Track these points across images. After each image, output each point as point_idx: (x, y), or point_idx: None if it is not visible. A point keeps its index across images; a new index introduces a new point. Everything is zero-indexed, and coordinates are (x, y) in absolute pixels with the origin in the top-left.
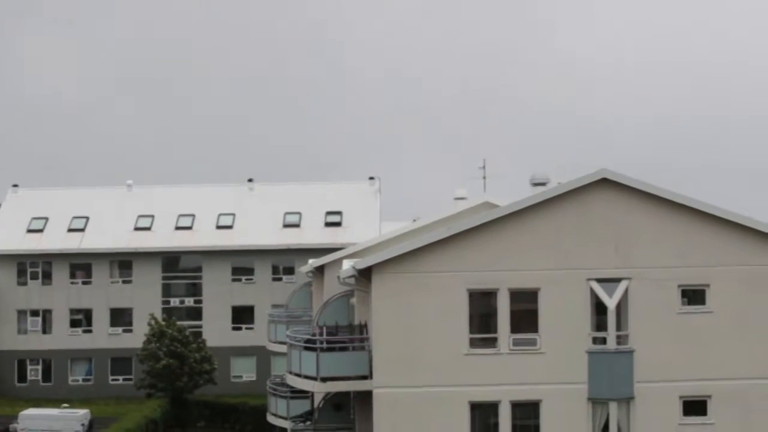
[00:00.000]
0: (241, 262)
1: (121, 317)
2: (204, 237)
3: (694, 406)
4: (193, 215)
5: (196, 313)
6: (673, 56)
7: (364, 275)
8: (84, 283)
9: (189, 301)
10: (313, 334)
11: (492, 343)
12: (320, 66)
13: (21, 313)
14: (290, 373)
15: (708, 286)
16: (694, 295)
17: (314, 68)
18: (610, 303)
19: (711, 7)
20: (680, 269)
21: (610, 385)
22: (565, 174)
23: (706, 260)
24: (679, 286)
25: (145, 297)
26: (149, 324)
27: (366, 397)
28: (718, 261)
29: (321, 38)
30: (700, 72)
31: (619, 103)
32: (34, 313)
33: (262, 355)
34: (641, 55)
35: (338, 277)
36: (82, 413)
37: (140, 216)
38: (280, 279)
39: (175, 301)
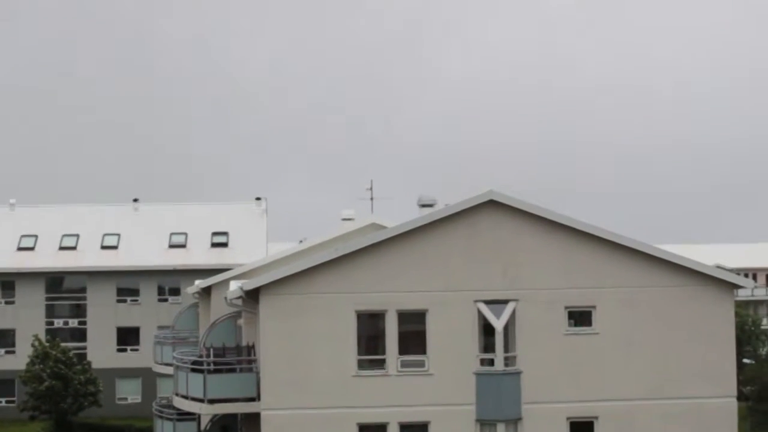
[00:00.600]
0: (127, 283)
1: (3, 338)
2: (88, 257)
3: (581, 428)
4: (77, 235)
5: (80, 335)
6: (556, 79)
7: (252, 296)
8: None
9: (73, 322)
10: (200, 356)
11: (380, 364)
12: (207, 86)
13: None
14: (177, 395)
15: (594, 307)
16: (580, 317)
17: (200, 89)
18: (498, 324)
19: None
20: (567, 291)
21: (498, 406)
22: (454, 195)
23: (592, 282)
24: (566, 307)
25: (28, 318)
26: (33, 345)
27: (254, 419)
28: (603, 283)
29: (207, 58)
30: (571, 96)
31: (505, 126)
32: None
33: (147, 377)
34: (525, 78)
35: (225, 298)
36: None
37: (23, 236)
38: (166, 300)
39: (59, 322)
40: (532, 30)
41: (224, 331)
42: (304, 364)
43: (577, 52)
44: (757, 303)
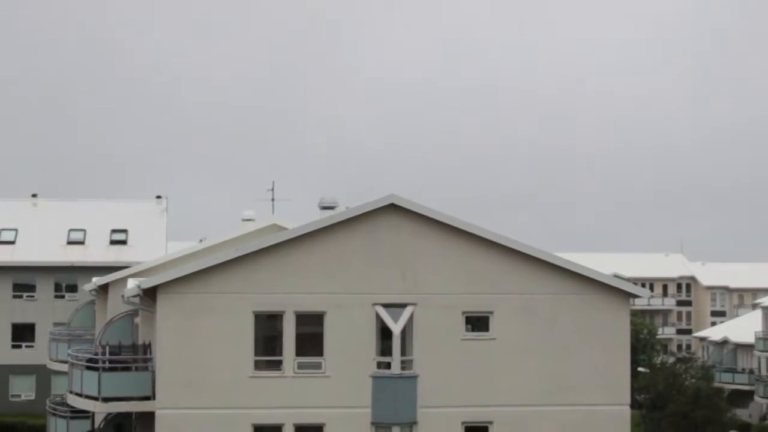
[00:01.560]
0: (23, 279)
1: None
2: None
3: None
4: None
5: None
6: (467, 81)
7: (149, 295)
8: None
9: None
10: (96, 354)
11: (277, 365)
12: (109, 83)
13: None
14: (71, 392)
15: (491, 313)
16: (478, 322)
17: (101, 87)
18: (395, 328)
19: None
20: (465, 296)
21: (394, 409)
22: (356, 198)
23: (490, 288)
24: (464, 312)
25: None
26: None
27: (148, 418)
28: (501, 288)
29: (109, 55)
30: (475, 100)
31: (411, 128)
32: None
33: (42, 374)
34: (439, 79)
35: (122, 296)
36: None
37: None
38: (62, 297)
39: None
40: (444, 30)
41: (121, 330)
42: (200, 364)
43: (491, 53)
44: (653, 312)
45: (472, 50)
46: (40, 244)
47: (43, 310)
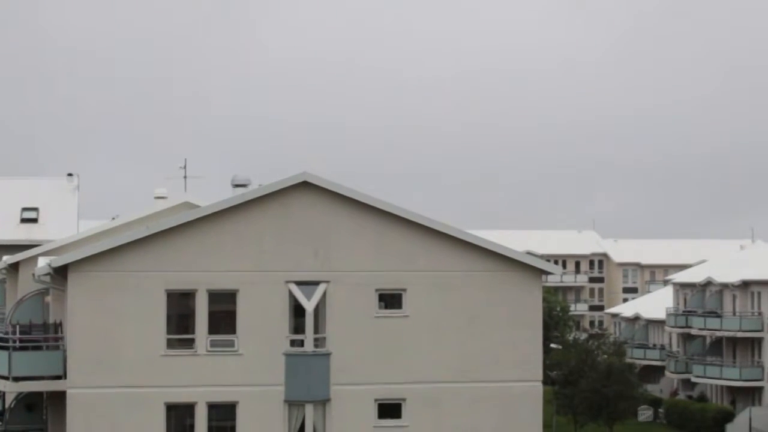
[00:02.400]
0: None
1: None
2: None
3: (389, 409)
4: None
5: None
6: (358, 60)
7: (60, 273)
8: None
9: None
10: (6, 333)
11: (189, 344)
12: (19, 58)
13: None
14: None
15: (405, 290)
16: (391, 299)
17: (13, 61)
18: (308, 306)
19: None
20: (378, 273)
21: (307, 387)
22: (270, 175)
23: (403, 265)
24: (377, 290)
25: None
26: None
27: (60, 397)
28: (415, 266)
29: (24, 34)
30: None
31: (321, 105)
32: None
33: None
34: (333, 56)
35: (33, 274)
36: None
37: None
38: None
39: None
40: (354, 10)
41: (31, 308)
42: (112, 343)
43: (398, 33)
44: (566, 289)
45: (380, 30)
46: None
47: None
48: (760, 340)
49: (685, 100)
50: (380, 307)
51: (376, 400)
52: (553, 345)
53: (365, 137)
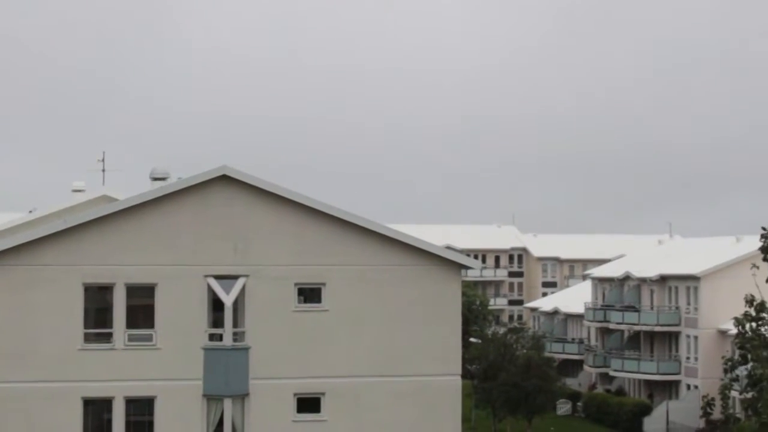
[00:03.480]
0: None
1: None
2: None
3: (308, 403)
4: None
5: None
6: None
7: None
8: None
9: None
10: None
11: (107, 338)
12: None
13: None
14: None
15: (324, 284)
16: (310, 293)
17: None
18: (227, 300)
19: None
20: (297, 267)
21: (226, 381)
22: (190, 169)
23: (322, 259)
24: (296, 284)
25: None
26: None
27: None
28: (334, 260)
29: None
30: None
31: (245, 99)
32: None
33: None
34: (275, 52)
35: None
36: None
37: None
38: None
39: None
40: (274, 5)
41: None
42: (28, 337)
43: (319, 26)
44: (485, 283)
45: (302, 23)
46: None
47: None
48: (677, 334)
49: (605, 96)
50: (299, 301)
51: (295, 394)
52: (472, 339)
53: (285, 131)
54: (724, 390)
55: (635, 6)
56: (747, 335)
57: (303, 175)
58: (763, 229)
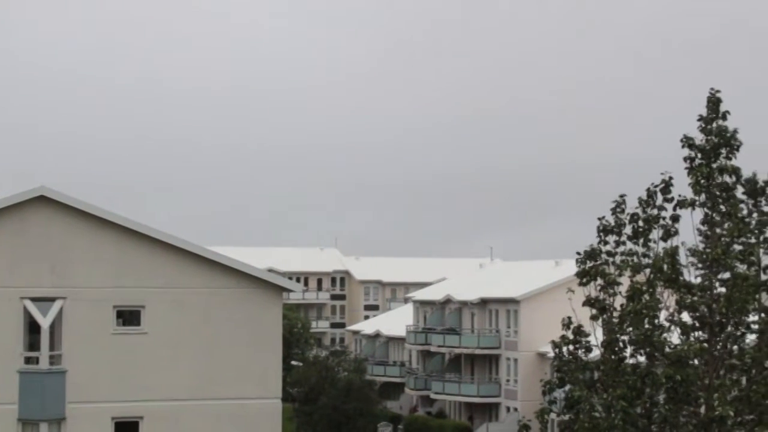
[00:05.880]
0: None
1: None
2: None
3: (127, 427)
4: None
5: None
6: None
7: None
8: None
9: None
10: None
11: None
12: None
13: None
14: None
15: (143, 307)
16: (130, 316)
17: None
18: (44, 322)
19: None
20: (116, 290)
21: (42, 405)
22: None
23: (141, 281)
24: (115, 306)
25: None
26: None
27: None
28: (154, 283)
29: None
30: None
31: (66, 117)
32: None
33: None
34: (83, 71)
35: None
36: None
37: None
38: None
39: None
40: (100, 22)
41: None
42: None
43: (146, 43)
44: (307, 306)
45: (125, 40)
46: None
47: None
48: (497, 357)
49: (428, 123)
50: (118, 324)
51: (113, 418)
52: (294, 362)
53: (106, 149)
54: (542, 413)
55: (459, 39)
56: (564, 358)
57: (122, 196)
58: (578, 253)
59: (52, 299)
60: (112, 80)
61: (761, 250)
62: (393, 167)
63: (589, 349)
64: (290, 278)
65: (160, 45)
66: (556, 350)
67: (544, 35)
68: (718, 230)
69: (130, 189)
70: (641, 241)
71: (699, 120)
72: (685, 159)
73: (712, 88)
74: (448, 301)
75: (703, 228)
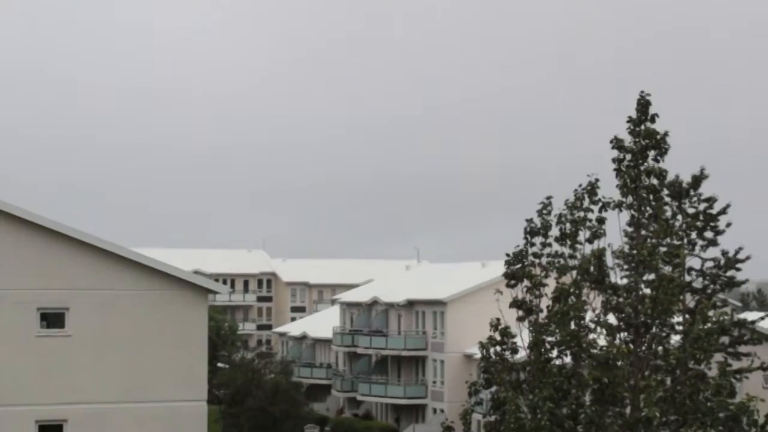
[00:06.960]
0: None
1: None
2: None
3: (51, 431)
4: None
5: None
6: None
7: None
8: None
9: None
10: None
11: None
12: None
13: None
14: None
15: (67, 309)
16: (54, 318)
17: None
18: None
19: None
20: (40, 291)
21: None
22: None
23: (66, 283)
24: (39, 308)
25: None
26: None
27: None
28: (78, 284)
29: None
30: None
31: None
32: None
33: None
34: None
35: None
36: None
37: None
38: None
39: None
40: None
41: None
42: None
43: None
44: (234, 308)
45: (50, 32)
46: None
47: None
48: (424, 359)
49: (352, 126)
50: (42, 326)
51: (36, 421)
52: (220, 364)
53: (27, 147)
54: (466, 414)
55: (395, 43)
56: (491, 359)
57: (44, 197)
58: (507, 255)
59: None
60: (36, 76)
61: (685, 252)
62: (321, 168)
63: (515, 351)
64: (217, 280)
65: (83, 45)
66: (483, 351)
67: (468, 40)
68: (644, 232)
69: (37, 189)
70: (568, 242)
71: (628, 122)
72: (613, 160)
73: (642, 91)
74: (374, 302)
75: (630, 230)
